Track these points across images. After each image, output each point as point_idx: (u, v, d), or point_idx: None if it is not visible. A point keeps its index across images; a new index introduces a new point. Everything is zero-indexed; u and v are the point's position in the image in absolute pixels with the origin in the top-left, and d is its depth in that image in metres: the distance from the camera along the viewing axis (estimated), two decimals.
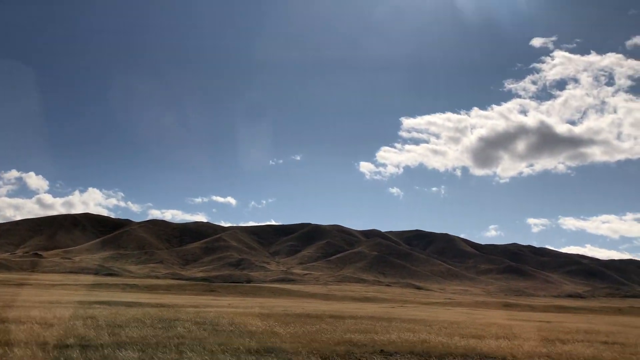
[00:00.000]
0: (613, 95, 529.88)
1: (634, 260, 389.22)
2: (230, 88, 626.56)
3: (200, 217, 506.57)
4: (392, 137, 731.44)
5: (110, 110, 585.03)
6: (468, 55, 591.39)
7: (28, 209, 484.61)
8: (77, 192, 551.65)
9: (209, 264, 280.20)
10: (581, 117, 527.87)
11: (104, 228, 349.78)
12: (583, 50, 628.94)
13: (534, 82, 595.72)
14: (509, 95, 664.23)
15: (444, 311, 56.77)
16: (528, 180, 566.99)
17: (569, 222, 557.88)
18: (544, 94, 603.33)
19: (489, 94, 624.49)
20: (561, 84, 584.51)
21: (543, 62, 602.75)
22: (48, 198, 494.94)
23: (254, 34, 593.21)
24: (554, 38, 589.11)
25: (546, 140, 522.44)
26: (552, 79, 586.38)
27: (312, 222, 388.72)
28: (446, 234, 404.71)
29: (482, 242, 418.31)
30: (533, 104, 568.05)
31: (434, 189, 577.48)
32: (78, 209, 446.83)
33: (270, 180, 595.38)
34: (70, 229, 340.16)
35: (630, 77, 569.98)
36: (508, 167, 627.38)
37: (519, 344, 19.11)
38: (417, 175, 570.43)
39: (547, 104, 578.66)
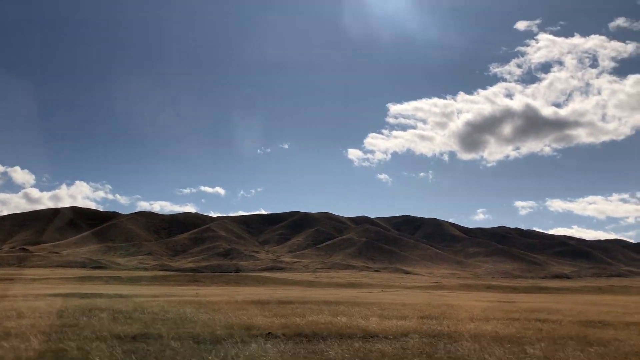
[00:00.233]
0: (597, 77, 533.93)
1: (620, 240, 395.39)
2: (217, 79, 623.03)
3: (189, 208, 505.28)
4: (379, 123, 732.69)
5: (97, 102, 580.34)
6: (453, 39, 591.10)
7: (14, 204, 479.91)
8: (64, 186, 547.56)
9: (198, 254, 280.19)
10: (566, 100, 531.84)
11: (92, 221, 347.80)
12: (567, 33, 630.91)
13: (519, 66, 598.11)
14: (495, 79, 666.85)
15: (413, 294, 57.52)
16: (515, 163, 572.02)
17: (556, 204, 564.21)
18: (529, 77, 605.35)
19: (475, 79, 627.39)
20: (546, 67, 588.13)
21: (528, 46, 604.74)
22: (35, 192, 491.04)
23: (244, 27, 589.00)
24: (538, 21, 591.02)
25: (532, 123, 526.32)
26: (537, 62, 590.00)
27: (301, 210, 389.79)
28: (434, 219, 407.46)
29: (470, 226, 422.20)
30: (518, 87, 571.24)
31: (421, 174, 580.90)
32: (65, 203, 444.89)
33: (258, 170, 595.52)
34: (58, 223, 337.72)
35: (613, 59, 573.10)
36: (495, 151, 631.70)
37: (423, 322, 19.91)
38: (404, 161, 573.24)
39: (533, 87, 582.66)
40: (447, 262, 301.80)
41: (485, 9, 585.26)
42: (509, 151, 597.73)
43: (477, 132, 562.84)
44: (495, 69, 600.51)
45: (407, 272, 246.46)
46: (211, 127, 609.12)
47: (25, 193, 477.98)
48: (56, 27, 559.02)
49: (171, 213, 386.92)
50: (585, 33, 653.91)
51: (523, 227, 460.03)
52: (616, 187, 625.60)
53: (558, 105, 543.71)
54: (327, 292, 61.69)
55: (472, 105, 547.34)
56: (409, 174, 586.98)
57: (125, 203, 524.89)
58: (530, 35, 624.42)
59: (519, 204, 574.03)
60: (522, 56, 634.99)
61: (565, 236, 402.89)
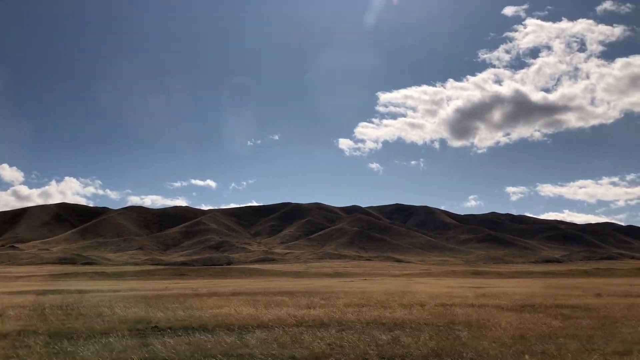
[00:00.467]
0: (585, 61, 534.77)
1: (610, 223, 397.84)
2: (209, 72, 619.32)
3: (181, 202, 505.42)
4: (369, 112, 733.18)
5: (85, 97, 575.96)
6: (441, 26, 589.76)
7: (3, 202, 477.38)
8: (53, 182, 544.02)
9: (189, 248, 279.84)
10: (555, 84, 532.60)
11: (82, 217, 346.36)
12: (554, 18, 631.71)
13: (507, 51, 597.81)
14: (484, 66, 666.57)
15: (388, 283, 57.39)
16: (505, 149, 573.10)
17: (547, 189, 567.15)
18: (518, 63, 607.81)
19: (464, 65, 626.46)
20: (534, 52, 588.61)
21: (516, 31, 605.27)
22: (24, 189, 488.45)
23: (238, 19, 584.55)
24: (525, 6, 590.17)
25: (521, 108, 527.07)
26: (525, 47, 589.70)
27: (293, 202, 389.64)
28: (426, 207, 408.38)
29: (462, 213, 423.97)
30: (507, 73, 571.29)
31: (413, 162, 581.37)
32: (55, 199, 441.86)
33: (249, 162, 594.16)
34: (48, 220, 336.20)
35: (601, 43, 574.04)
36: (485, 137, 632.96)
37: (325, 312, 20.08)
38: (395, 149, 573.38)
39: (522, 73, 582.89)
40: (439, 249, 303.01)
41: None
42: (499, 137, 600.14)
43: (467, 119, 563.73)
44: (483, 55, 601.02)
45: (399, 260, 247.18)
46: (201, 121, 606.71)
47: (14, 190, 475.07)
48: (44, 19, 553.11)
49: (162, 207, 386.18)
50: (572, 17, 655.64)
51: (514, 212, 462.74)
52: (606, 171, 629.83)
53: (547, 90, 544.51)
54: (307, 282, 61.61)
55: (461, 92, 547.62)
56: (400, 162, 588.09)
57: (116, 198, 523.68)
58: (518, 20, 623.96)
59: (510, 189, 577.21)
60: (511, 42, 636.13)
61: (556, 221, 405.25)
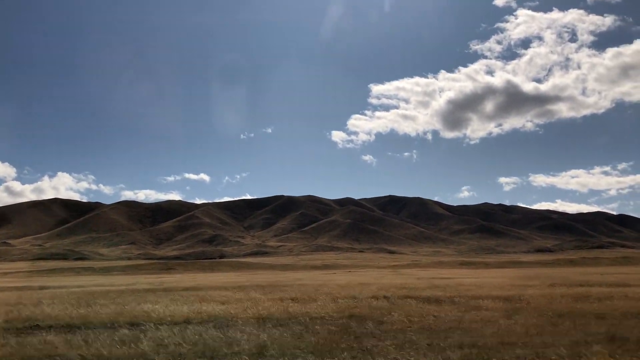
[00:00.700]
0: (576, 52, 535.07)
1: (602, 212, 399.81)
2: (200, 62, 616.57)
3: (174, 196, 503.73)
4: (362, 104, 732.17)
5: (76, 91, 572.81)
6: (433, 17, 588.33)
7: None
8: (46, 178, 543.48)
9: (183, 242, 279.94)
10: (546, 75, 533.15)
11: (74, 212, 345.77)
12: (545, 8, 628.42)
13: (499, 42, 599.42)
14: (475, 57, 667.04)
15: (373, 273, 57.90)
16: (497, 140, 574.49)
17: (539, 179, 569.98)
18: (509, 54, 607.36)
19: (456, 56, 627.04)
20: (526, 43, 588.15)
21: (507, 22, 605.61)
22: (17, 185, 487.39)
23: (228, 9, 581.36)
24: None
25: (513, 99, 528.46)
26: (517, 38, 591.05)
27: (286, 194, 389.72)
28: (419, 198, 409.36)
29: (455, 204, 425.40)
30: (499, 64, 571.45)
31: (405, 154, 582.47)
32: (48, 195, 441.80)
33: (242, 155, 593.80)
34: (41, 215, 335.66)
35: (592, 33, 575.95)
36: (477, 128, 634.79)
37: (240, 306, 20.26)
38: (388, 141, 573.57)
39: (513, 63, 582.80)
40: (432, 241, 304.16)
41: None
42: (492, 128, 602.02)
43: (460, 110, 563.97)
44: (475, 46, 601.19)
45: (392, 252, 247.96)
46: (194, 114, 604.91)
47: (7, 186, 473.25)
48: (33, 11, 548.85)
49: (156, 201, 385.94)
50: (563, 7, 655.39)
51: (507, 203, 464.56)
52: (598, 160, 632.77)
53: (539, 81, 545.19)
54: (287, 275, 62.03)
55: (453, 84, 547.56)
56: (393, 154, 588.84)
57: (109, 193, 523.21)
58: (509, 11, 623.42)
59: (502, 180, 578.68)
60: (502, 32, 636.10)
61: (548, 210, 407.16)
